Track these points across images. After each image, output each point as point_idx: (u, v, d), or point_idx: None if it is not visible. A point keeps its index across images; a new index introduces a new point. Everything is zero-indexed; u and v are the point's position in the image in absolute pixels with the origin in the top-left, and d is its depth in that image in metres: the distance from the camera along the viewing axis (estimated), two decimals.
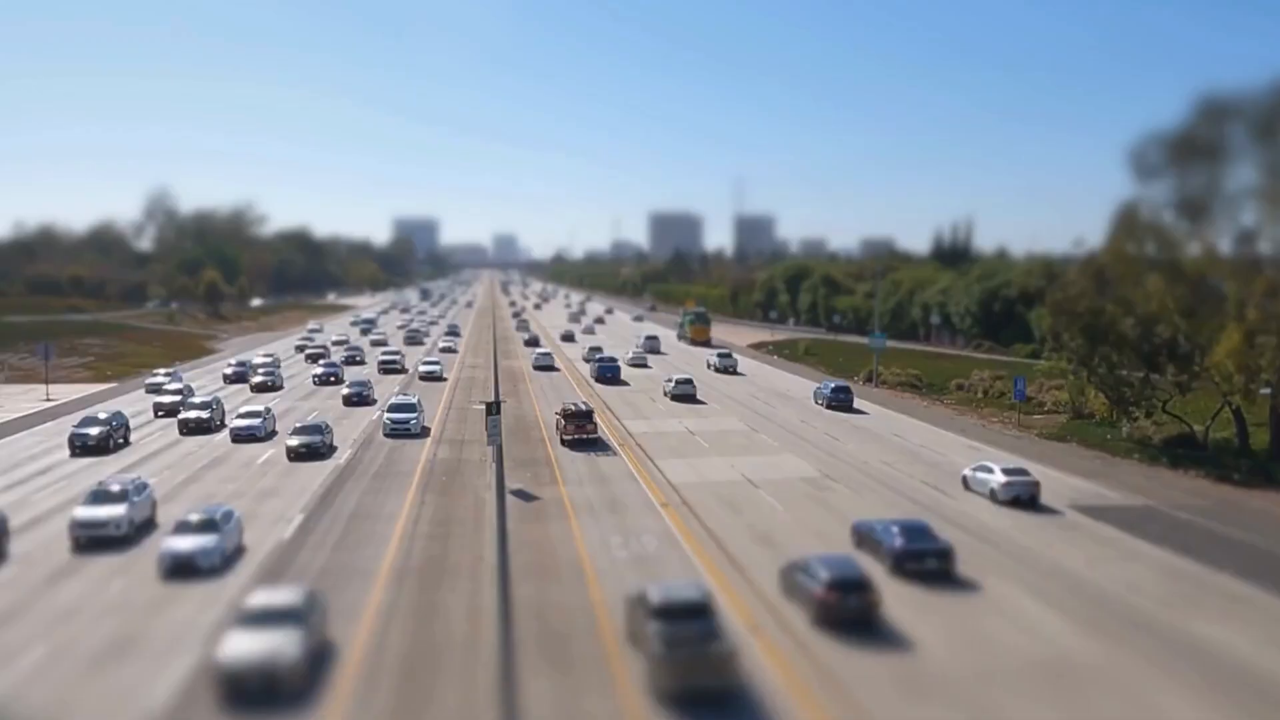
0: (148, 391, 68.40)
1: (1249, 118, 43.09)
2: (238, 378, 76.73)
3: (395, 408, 53.34)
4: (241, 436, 49.65)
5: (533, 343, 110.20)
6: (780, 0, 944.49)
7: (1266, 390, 44.67)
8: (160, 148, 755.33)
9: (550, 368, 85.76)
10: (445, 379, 78.40)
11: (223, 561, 28.76)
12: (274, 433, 51.54)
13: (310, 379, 76.74)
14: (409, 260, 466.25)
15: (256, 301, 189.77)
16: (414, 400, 55.85)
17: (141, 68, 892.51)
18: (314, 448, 45.22)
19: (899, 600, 26.14)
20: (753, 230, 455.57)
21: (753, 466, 44.30)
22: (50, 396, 67.81)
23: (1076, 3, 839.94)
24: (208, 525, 29.27)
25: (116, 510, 31.23)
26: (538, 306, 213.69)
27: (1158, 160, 44.90)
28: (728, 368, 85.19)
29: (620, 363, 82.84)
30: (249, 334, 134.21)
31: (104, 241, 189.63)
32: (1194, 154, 44.20)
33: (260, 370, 75.76)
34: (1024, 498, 37.12)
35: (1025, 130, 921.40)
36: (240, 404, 60.64)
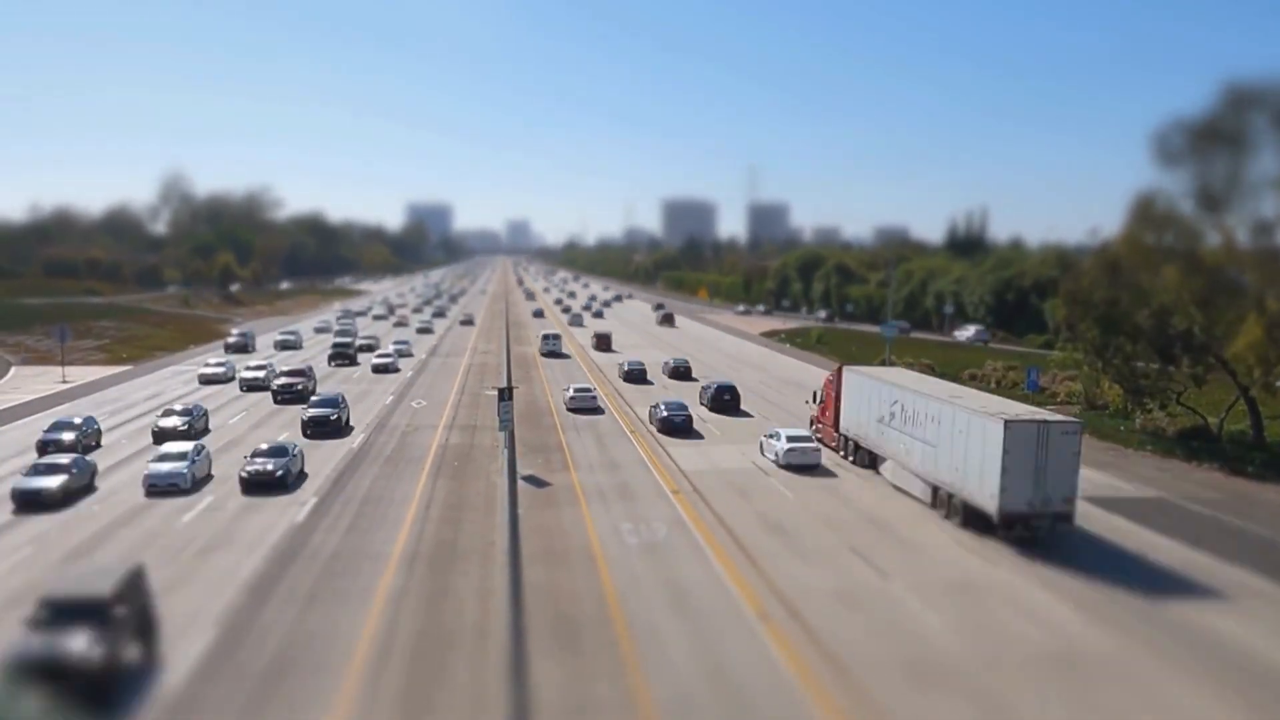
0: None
1: (1272, 107, 42.64)
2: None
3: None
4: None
5: None
6: None
7: None
8: (177, 131, 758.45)
9: None
10: None
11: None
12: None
13: None
14: (422, 246, 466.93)
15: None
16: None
17: (161, 59, 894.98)
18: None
19: (912, 588, 26.20)
20: (766, 218, 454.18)
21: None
22: (66, 379, 68.29)
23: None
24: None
25: None
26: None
27: (1180, 147, 44.44)
28: None
29: None
30: (263, 318, 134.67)
31: (119, 225, 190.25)
32: (1216, 142, 43.75)
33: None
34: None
35: (1041, 121, 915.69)
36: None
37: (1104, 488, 39.05)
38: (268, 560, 28.20)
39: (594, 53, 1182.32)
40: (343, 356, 79.72)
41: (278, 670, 20.86)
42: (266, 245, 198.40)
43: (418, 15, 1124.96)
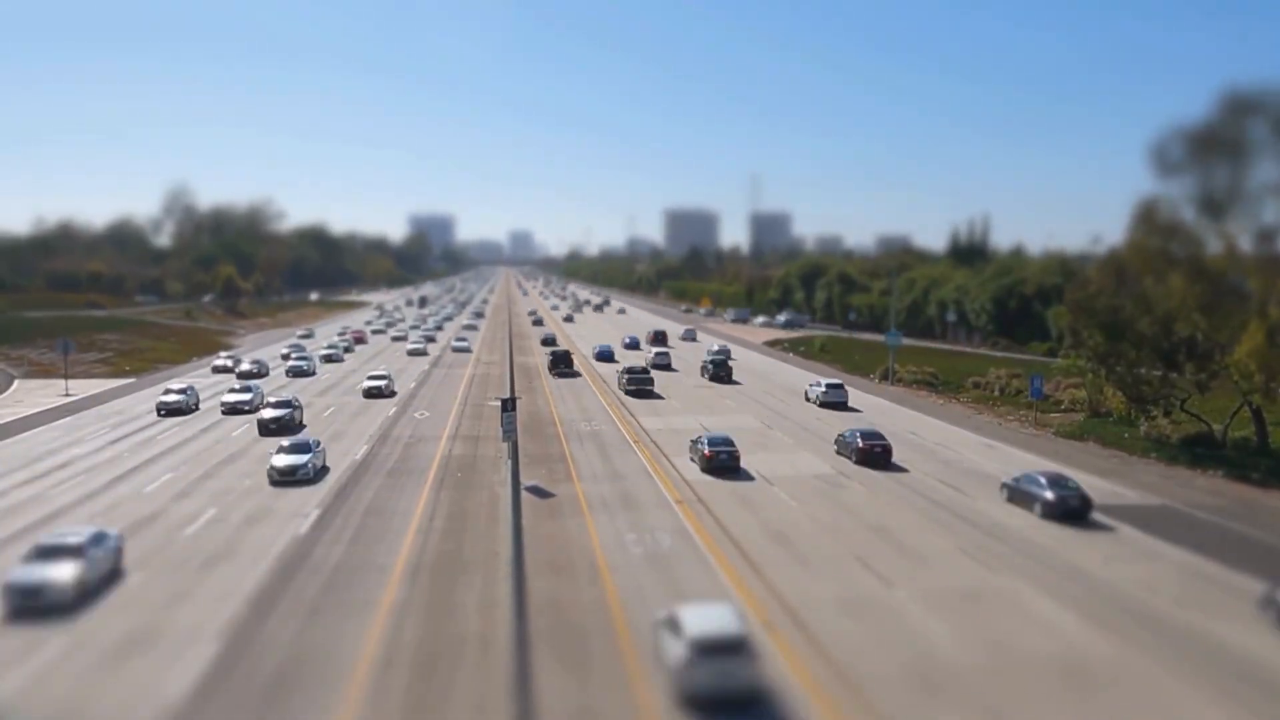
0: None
1: (1271, 114, 42.66)
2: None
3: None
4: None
5: None
6: None
7: None
8: (180, 145, 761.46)
9: None
10: None
11: None
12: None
13: None
14: (425, 257, 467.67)
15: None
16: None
17: (164, 67, 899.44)
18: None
19: (915, 597, 26.11)
20: (768, 227, 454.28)
21: (768, 463, 44.23)
22: (69, 392, 68.37)
23: (1093, 7, 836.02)
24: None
25: None
26: None
27: (1180, 155, 44.47)
28: None
29: None
30: (265, 330, 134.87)
31: (122, 237, 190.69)
32: (1216, 149, 43.76)
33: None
34: None
35: (1042, 128, 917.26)
36: None
37: (1108, 495, 38.93)
38: (270, 573, 28.16)
39: (596, 65, 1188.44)
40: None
41: (281, 684, 20.82)
42: (269, 257, 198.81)
43: (421, 30, 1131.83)
